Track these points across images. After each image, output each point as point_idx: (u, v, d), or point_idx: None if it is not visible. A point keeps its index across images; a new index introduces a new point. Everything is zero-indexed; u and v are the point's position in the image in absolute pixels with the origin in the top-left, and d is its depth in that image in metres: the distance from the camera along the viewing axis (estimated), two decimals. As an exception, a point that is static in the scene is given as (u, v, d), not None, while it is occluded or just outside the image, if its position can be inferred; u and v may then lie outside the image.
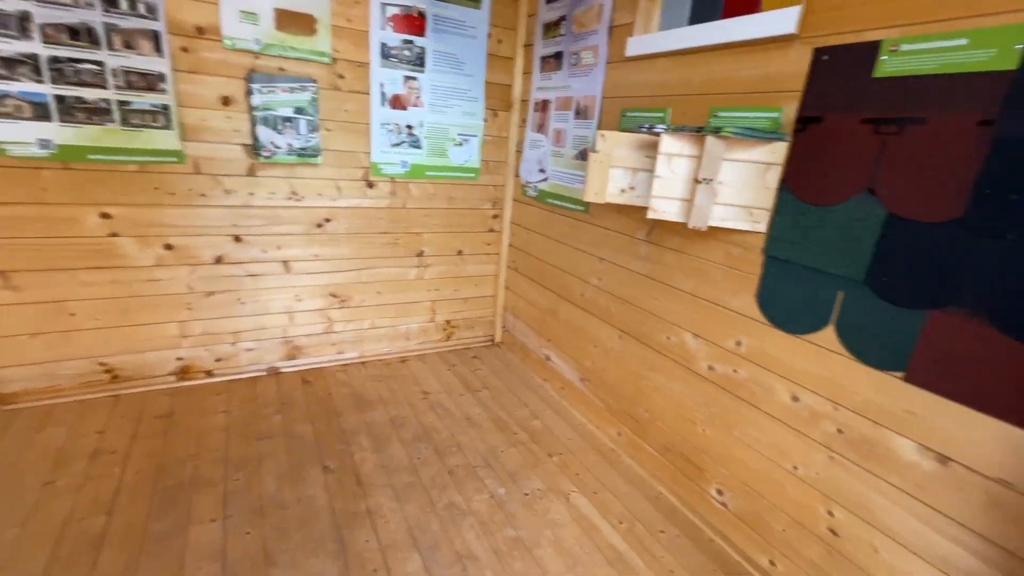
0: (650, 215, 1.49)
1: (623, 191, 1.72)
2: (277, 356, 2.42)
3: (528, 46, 2.45)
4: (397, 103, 2.31)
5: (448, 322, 2.83)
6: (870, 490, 1.23)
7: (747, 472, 1.55)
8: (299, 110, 2.09)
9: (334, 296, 2.46)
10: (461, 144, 2.52)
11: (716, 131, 1.28)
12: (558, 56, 2.22)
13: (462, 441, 2.01)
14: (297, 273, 2.34)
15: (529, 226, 2.59)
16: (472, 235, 2.72)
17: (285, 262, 2.30)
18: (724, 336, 1.58)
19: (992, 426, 1.01)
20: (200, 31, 1.89)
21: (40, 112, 1.74)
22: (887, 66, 1.12)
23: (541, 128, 2.38)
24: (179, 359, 2.21)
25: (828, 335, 1.29)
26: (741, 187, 1.41)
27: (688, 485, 1.76)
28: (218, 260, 2.16)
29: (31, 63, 1.69)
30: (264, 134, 2.05)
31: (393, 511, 1.62)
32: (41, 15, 1.67)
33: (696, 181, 1.38)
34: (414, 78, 2.31)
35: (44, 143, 1.77)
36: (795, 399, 1.38)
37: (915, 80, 1.08)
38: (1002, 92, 0.96)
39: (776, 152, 1.35)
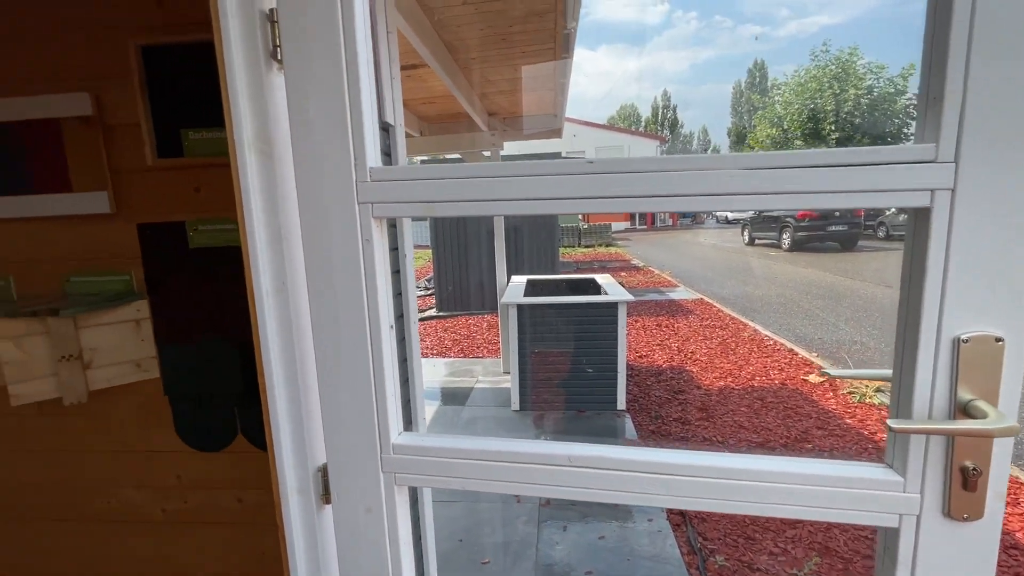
0: (13, 402, 1.35)
1: (-23, 376, 1.46)
2: None
3: None
4: None
5: None
6: (310, 538, 1.62)
7: (232, 580, 1.69)
8: None
9: None
10: None
11: (54, 312, 1.31)
12: None
13: None
14: None
15: None
16: None
17: None
18: (164, 476, 1.64)
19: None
20: None
21: None
22: (196, 240, 1.48)
23: None
24: None
25: (241, 441, 1.58)
26: (120, 345, 1.49)
27: (188, 629, 1.73)
28: None
29: None
30: None
31: None
32: None
33: (59, 359, 1.37)
34: None
35: None
36: (240, 500, 1.62)
37: (218, 248, 1.48)
38: (267, 258, 1.46)
39: (142, 309, 1.51)
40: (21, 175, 1.47)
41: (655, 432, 3.91)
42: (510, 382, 4.24)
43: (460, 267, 8.50)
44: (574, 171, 0.62)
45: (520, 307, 3.99)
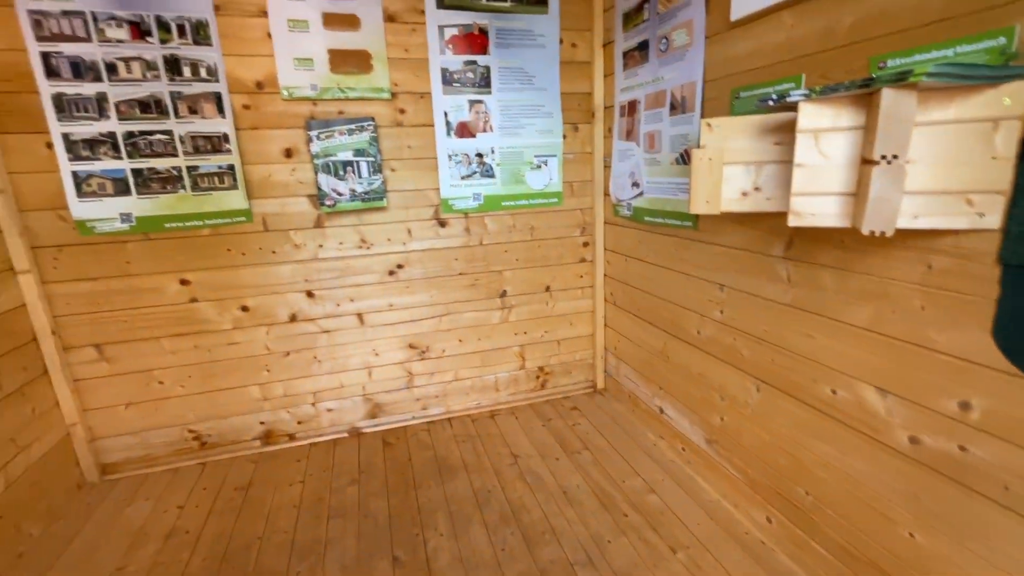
0: (792, 222, 1.03)
1: (745, 194, 1.27)
2: (359, 415, 2.25)
3: (608, 44, 2.11)
4: (464, 131, 2.09)
5: (541, 368, 2.48)
6: None
7: (1007, 615, 0.95)
8: (359, 152, 1.95)
9: (413, 347, 2.25)
10: (539, 167, 2.22)
11: (900, 78, 0.81)
12: (643, 46, 1.84)
13: (557, 525, 1.62)
14: (372, 325, 2.17)
15: (626, 251, 2.18)
16: (561, 268, 2.38)
17: (359, 314, 2.14)
18: (936, 393, 1.03)
19: None
20: (259, 86, 1.84)
21: (120, 187, 1.77)
22: None
23: (630, 135, 2.00)
24: (262, 423, 2.12)
25: None
26: (948, 163, 0.90)
27: (893, 615, 1.18)
28: (292, 318, 2.06)
29: (110, 141, 1.73)
30: (325, 182, 1.94)
31: (469, 629, 1.28)
32: (115, 94, 1.71)
33: (868, 162, 0.91)
34: (480, 101, 2.07)
35: (125, 217, 1.80)
36: None
37: None
38: None
39: (1014, 96, 0.83)
40: (864, -94, 1.02)
41: None
42: None
43: None
44: None
45: None
